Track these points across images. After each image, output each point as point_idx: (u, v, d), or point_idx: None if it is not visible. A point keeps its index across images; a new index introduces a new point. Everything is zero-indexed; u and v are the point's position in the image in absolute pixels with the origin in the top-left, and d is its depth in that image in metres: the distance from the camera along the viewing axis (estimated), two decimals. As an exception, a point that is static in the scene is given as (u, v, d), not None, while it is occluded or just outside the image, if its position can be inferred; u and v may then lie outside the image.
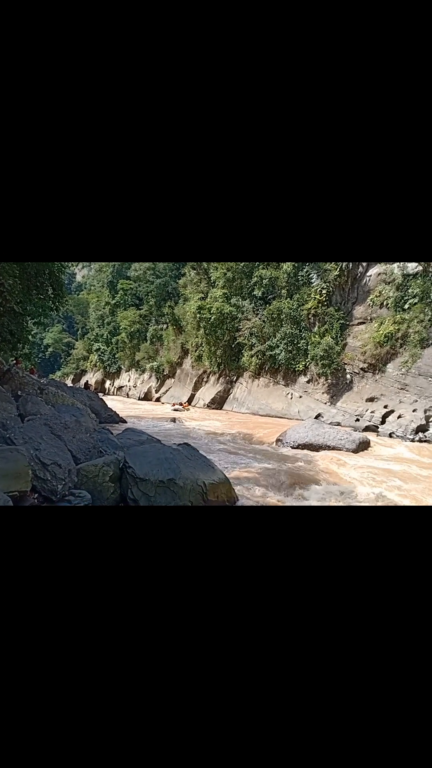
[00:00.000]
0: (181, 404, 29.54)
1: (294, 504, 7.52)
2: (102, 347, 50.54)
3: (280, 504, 7.45)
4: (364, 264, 19.86)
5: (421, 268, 16.83)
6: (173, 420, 19.49)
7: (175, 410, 26.56)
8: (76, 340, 62.80)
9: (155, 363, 38.70)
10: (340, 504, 7.53)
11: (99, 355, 51.46)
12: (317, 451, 12.20)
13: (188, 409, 27.76)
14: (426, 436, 14.63)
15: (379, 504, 7.54)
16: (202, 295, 29.50)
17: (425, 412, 15.29)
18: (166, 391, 36.30)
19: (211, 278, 29.36)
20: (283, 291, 23.62)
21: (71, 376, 58.59)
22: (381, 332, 17.93)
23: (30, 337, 16.22)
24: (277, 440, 13.68)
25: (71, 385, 36.94)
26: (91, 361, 54.69)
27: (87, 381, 43.68)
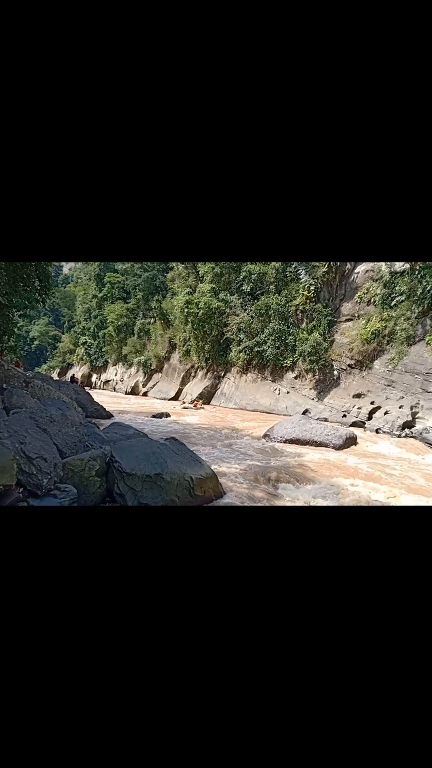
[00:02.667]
0: (192, 402, 25.67)
1: (281, 499, 7.55)
2: (89, 341, 50.02)
3: (267, 498, 7.47)
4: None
5: (408, 265, 16.96)
6: (160, 415, 19.40)
7: (184, 408, 23.51)
8: (63, 334, 62.04)
9: (142, 357, 38.42)
10: (329, 500, 7.58)
11: (86, 349, 50.90)
12: (304, 446, 12.27)
13: (203, 408, 24.29)
14: (412, 432, 14.81)
15: (366, 499, 7.60)
16: (190, 290, 29.33)
17: (411, 408, 15.47)
18: (154, 385, 36.12)
19: (199, 273, 29.20)
20: (271, 287, 23.64)
21: (57, 370, 57.92)
22: (368, 329, 18.06)
23: (16, 329, 15.97)
24: (265, 435, 13.72)
25: (57, 378, 36.61)
26: (78, 355, 54.08)
27: (73, 374, 43.25)
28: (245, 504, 7.10)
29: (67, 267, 79.69)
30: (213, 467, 7.94)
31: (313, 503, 7.39)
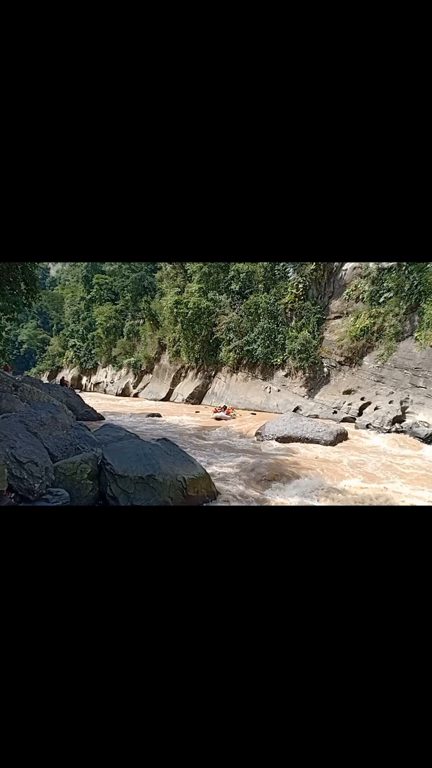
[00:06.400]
0: (224, 409, 20.50)
1: (274, 497, 7.56)
2: (78, 343, 49.64)
3: (260, 497, 7.48)
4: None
5: (395, 262, 17.10)
6: (152, 415, 19.33)
7: (217, 419, 18.69)
8: (51, 336, 61.49)
9: (132, 358, 38.25)
10: (321, 497, 7.61)
11: (75, 351, 50.49)
12: (296, 443, 12.30)
13: (235, 416, 19.42)
14: (402, 427, 14.91)
15: (358, 494, 7.65)
16: (179, 290, 29.25)
17: (401, 403, 15.60)
18: (144, 386, 35.98)
19: (188, 272, 29.13)
20: (260, 285, 23.66)
21: (47, 373, 57.40)
22: (357, 326, 18.17)
23: (4, 333, 15.80)
24: (257, 434, 13.74)
25: (47, 381, 36.23)
26: (67, 358, 53.60)
27: (63, 377, 42.68)
28: (239, 503, 7.10)
29: (54, 269, 79.05)
30: (205, 467, 7.93)
31: (306, 501, 7.41)
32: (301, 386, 20.98)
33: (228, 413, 19.71)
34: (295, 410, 19.08)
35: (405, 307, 16.49)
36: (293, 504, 7.25)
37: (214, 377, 27.38)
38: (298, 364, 20.76)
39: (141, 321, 38.18)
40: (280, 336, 22.09)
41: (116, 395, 39.07)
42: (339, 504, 7.24)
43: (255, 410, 22.09)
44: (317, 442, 12.33)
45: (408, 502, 7.36)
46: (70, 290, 54.66)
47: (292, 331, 21.36)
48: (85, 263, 48.54)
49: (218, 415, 19.38)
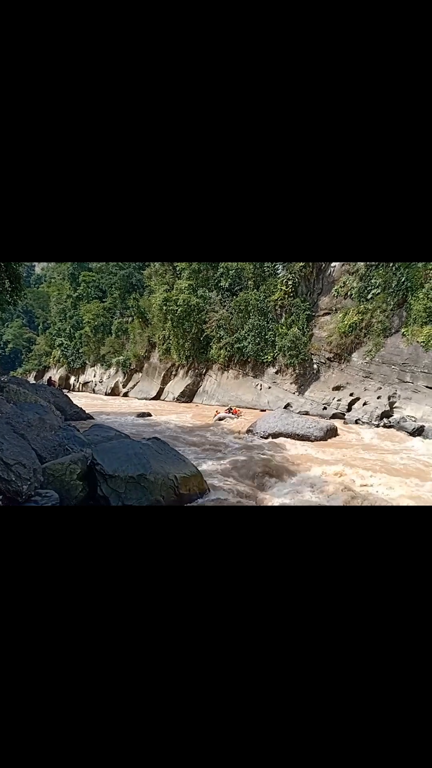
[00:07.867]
0: (230, 411, 18.41)
1: (266, 494, 7.55)
2: (65, 342, 49.07)
3: (252, 494, 7.46)
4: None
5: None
6: (142, 414, 19.22)
7: (219, 419, 17.08)
8: (38, 335, 60.82)
9: (121, 357, 37.95)
10: (312, 492, 7.62)
11: (62, 351, 49.91)
12: (287, 439, 12.34)
13: (240, 416, 17.54)
14: (390, 422, 15.05)
15: (348, 488, 7.67)
16: (168, 287, 29.09)
17: (389, 398, 15.72)
18: (134, 385, 35.78)
19: (177, 269, 28.98)
20: (249, 282, 23.64)
21: (33, 373, 56.73)
22: (346, 322, 18.26)
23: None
24: (248, 430, 13.76)
25: (34, 381, 35.89)
26: (54, 357, 52.99)
27: (50, 377, 42.32)
28: (232, 499, 7.08)
29: (39, 267, 78.22)
30: (197, 465, 7.89)
31: (297, 496, 7.41)
32: (291, 383, 21.05)
33: (235, 413, 17.91)
34: (285, 407, 19.13)
35: (392, 303, 16.60)
36: (285, 500, 7.24)
37: (204, 375, 27.33)
38: (289, 361, 20.81)
39: (130, 319, 37.90)
40: (270, 333, 22.12)
41: (105, 395, 38.78)
42: (330, 499, 7.25)
43: (246, 407, 22.04)
44: (308, 439, 12.41)
45: (399, 496, 7.39)
46: (56, 288, 54.06)
47: (282, 328, 21.41)
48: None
49: (221, 415, 17.57)
